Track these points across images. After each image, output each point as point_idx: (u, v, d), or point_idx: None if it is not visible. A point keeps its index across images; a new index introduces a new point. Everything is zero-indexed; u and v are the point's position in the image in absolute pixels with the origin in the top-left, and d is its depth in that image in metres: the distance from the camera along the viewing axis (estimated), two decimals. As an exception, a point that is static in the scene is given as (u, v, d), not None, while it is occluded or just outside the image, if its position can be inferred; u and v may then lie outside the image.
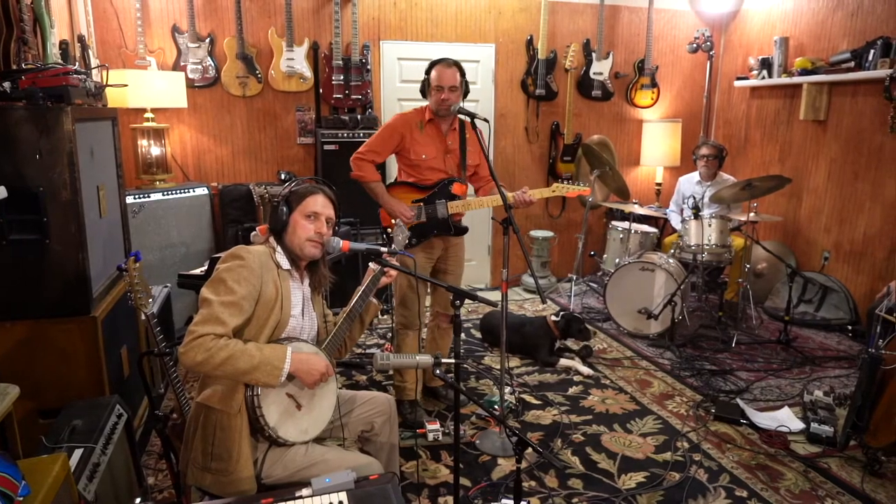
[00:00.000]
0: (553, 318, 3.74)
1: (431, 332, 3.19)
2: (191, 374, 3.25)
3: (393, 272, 2.00)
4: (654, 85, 5.30)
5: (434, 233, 2.93)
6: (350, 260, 4.07)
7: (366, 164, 2.85)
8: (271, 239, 1.84)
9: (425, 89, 2.86)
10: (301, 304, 1.85)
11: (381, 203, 2.89)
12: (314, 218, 1.82)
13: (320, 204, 1.85)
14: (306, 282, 1.90)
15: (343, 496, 1.37)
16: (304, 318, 1.85)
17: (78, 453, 1.77)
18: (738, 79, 5.16)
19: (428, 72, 2.84)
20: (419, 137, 2.86)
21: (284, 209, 1.81)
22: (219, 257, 1.80)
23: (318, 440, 1.84)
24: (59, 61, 2.75)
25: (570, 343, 3.96)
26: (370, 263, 2.00)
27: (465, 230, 3.00)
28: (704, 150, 4.42)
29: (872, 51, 3.99)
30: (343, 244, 1.88)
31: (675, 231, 4.60)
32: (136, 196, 3.70)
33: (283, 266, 1.80)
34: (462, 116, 2.85)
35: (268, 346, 1.66)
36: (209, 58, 4.24)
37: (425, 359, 1.73)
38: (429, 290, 3.34)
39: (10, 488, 1.30)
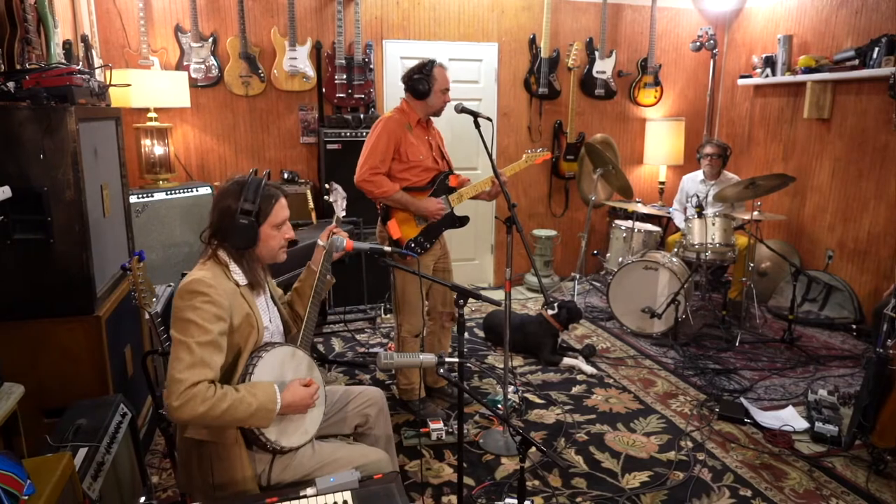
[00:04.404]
0: (550, 312, 3.72)
1: (432, 332, 3.18)
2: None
3: (349, 243, 1.91)
4: (657, 83, 5.28)
5: (442, 230, 2.92)
6: (353, 259, 4.08)
7: (381, 178, 2.77)
8: (221, 254, 1.67)
9: (426, 90, 2.80)
10: (267, 309, 1.78)
11: (413, 208, 2.81)
12: (281, 225, 1.73)
13: (285, 208, 1.73)
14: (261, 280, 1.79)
15: (347, 495, 1.37)
16: (271, 321, 1.79)
17: (82, 452, 1.77)
18: (742, 77, 5.15)
19: (428, 73, 2.79)
20: (411, 139, 2.84)
21: (254, 225, 1.65)
22: None
23: (321, 437, 1.83)
24: (63, 61, 2.75)
25: (573, 342, 3.96)
26: (318, 240, 1.93)
27: (468, 220, 3.00)
28: (708, 149, 4.41)
29: (877, 49, 3.98)
30: (347, 243, 1.88)
31: (678, 230, 4.60)
32: (140, 195, 3.70)
33: (240, 283, 1.67)
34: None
35: (260, 390, 1.56)
36: (212, 57, 4.24)
37: (429, 358, 1.72)
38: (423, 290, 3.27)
39: (16, 487, 1.30)
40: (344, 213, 2.02)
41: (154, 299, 2.10)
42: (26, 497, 1.33)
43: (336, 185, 2.07)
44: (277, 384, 1.61)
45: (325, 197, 2.10)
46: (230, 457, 1.59)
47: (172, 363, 1.49)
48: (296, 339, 1.81)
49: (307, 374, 1.75)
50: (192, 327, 1.51)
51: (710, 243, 3.90)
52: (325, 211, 4.31)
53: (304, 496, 1.37)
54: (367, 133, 4.27)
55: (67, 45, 2.94)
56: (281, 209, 1.71)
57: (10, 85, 2.09)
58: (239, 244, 1.66)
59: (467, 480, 2.49)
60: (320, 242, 1.92)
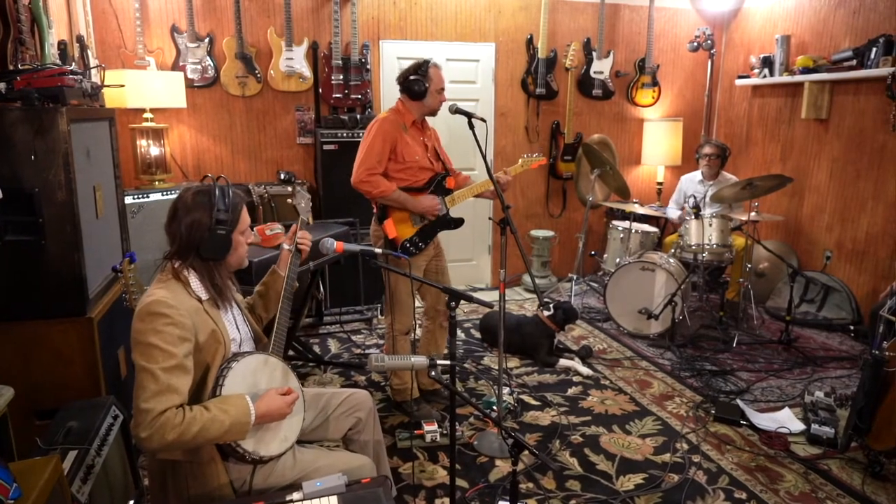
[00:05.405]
0: (546, 312, 3.71)
1: (428, 332, 3.17)
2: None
3: (307, 243, 1.91)
4: (654, 84, 5.27)
5: (437, 231, 2.92)
6: (349, 260, 4.07)
7: (378, 178, 2.77)
8: (184, 272, 1.63)
9: (422, 91, 2.80)
10: (233, 319, 1.74)
11: (410, 207, 2.81)
12: (245, 230, 1.72)
13: (247, 212, 1.73)
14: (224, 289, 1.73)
15: (334, 500, 1.36)
16: (239, 331, 1.75)
17: (72, 455, 1.76)
18: (740, 77, 5.14)
19: (424, 74, 2.79)
20: (407, 139, 2.84)
21: (230, 234, 1.64)
22: None
23: (306, 443, 1.81)
24: (57, 62, 2.74)
25: (570, 343, 3.95)
26: (283, 245, 1.93)
27: (462, 222, 2.99)
28: (707, 150, 4.40)
29: (874, 49, 3.97)
30: (337, 245, 1.87)
31: (675, 230, 4.58)
32: (136, 196, 3.69)
33: (203, 298, 1.63)
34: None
35: (231, 405, 1.52)
36: (208, 57, 4.23)
37: (420, 360, 1.71)
38: (417, 291, 3.26)
39: (1, 492, 1.29)
40: (309, 215, 2.01)
41: (146, 301, 2.09)
42: (12, 501, 1.32)
43: (300, 189, 2.07)
44: (251, 394, 1.58)
45: (289, 200, 2.09)
46: (205, 474, 1.57)
47: (137, 391, 1.44)
48: (267, 346, 1.77)
49: (282, 381, 1.71)
50: (156, 352, 1.46)
51: (708, 244, 3.89)
52: (323, 212, 4.30)
53: (291, 500, 1.36)
54: (363, 133, 4.30)
55: (63, 46, 2.93)
56: (245, 214, 1.72)
57: (2, 86, 2.08)
58: (216, 255, 1.64)
59: (461, 482, 2.48)
60: (286, 246, 1.91)
